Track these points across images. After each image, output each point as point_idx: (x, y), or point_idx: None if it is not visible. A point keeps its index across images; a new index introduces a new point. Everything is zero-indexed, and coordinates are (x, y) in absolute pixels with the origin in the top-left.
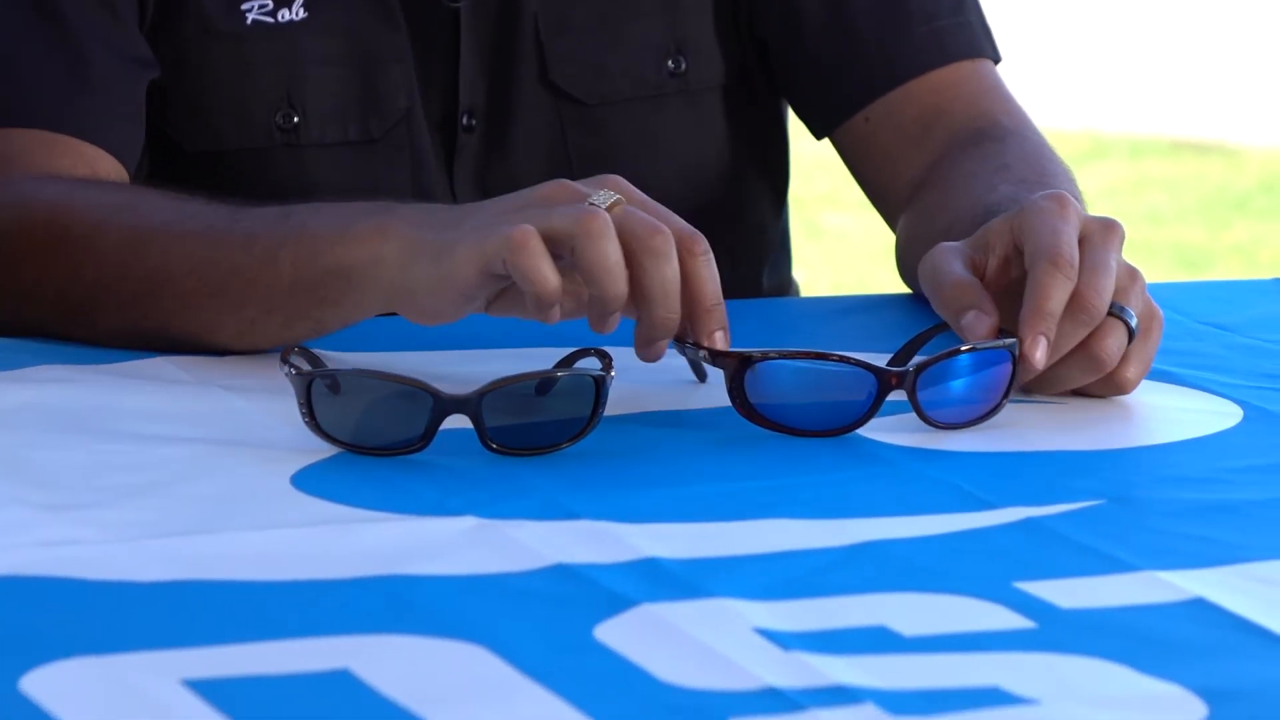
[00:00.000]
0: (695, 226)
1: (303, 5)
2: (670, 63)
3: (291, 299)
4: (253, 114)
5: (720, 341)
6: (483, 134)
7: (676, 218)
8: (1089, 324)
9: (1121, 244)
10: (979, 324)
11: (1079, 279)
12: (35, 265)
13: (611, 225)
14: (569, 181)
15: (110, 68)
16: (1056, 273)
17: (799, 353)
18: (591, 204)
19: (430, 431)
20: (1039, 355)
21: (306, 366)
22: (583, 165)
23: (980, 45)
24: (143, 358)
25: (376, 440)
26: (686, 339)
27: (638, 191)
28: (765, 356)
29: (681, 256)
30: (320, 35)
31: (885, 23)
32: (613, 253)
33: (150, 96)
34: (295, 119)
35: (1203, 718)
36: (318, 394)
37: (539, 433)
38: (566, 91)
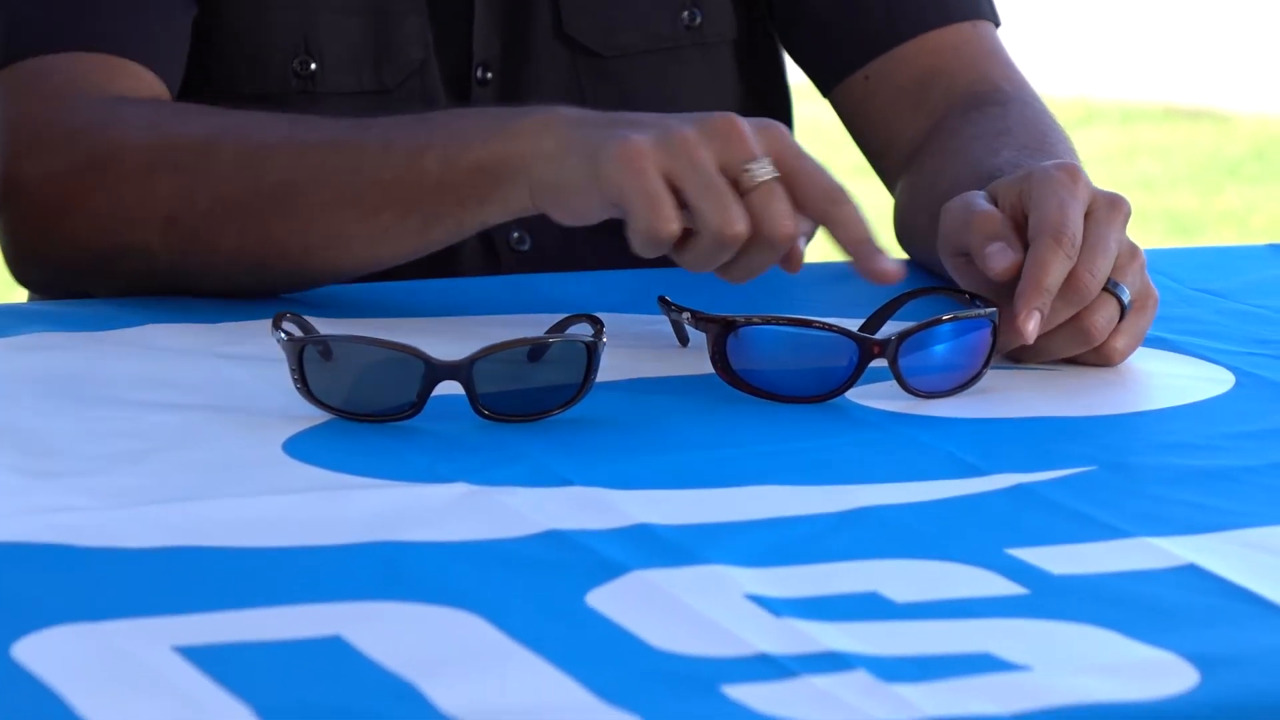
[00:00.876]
0: None
1: None
2: (685, 14)
3: (434, 198)
4: (270, 60)
5: (882, 263)
6: (497, 87)
7: (825, 181)
8: (1079, 303)
9: (1126, 222)
10: (1003, 257)
11: (1078, 257)
12: (140, 188)
13: (744, 231)
14: (740, 126)
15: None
16: (1059, 250)
17: (782, 318)
18: (747, 170)
19: (422, 398)
20: (1031, 328)
21: (299, 333)
22: None
23: (981, 7)
24: (135, 325)
25: (368, 406)
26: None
27: (801, 159)
28: (749, 321)
29: (823, 210)
30: None
31: None
32: (726, 257)
33: None
34: (312, 66)
35: (1195, 684)
36: (310, 360)
37: (531, 399)
38: (581, 44)
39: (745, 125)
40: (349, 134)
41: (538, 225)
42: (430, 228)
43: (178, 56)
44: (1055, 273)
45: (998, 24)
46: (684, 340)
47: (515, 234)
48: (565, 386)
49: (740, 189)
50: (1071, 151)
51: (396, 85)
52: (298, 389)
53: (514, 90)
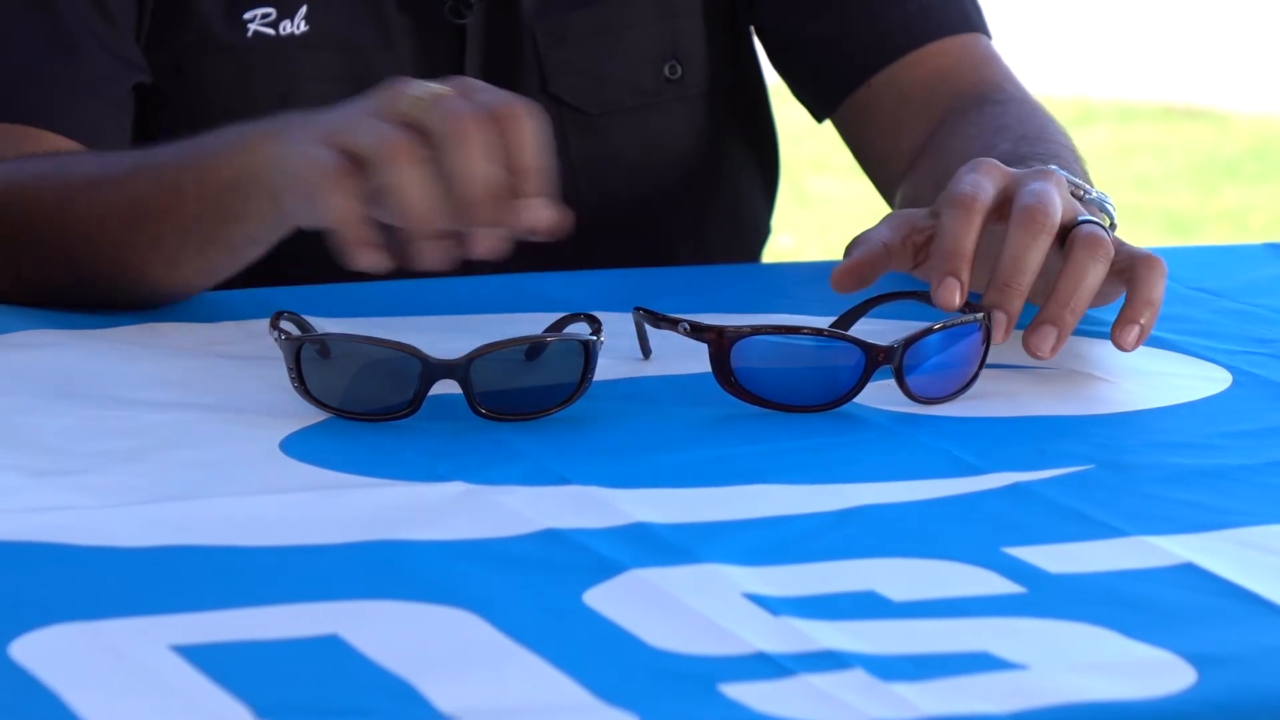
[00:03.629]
0: (698, 226)
1: (304, 18)
2: (667, 70)
3: (197, 221)
4: None
5: (536, 208)
6: None
7: (503, 96)
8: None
9: (1058, 186)
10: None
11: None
12: None
13: (412, 151)
14: (411, 84)
15: (100, 64)
16: (956, 211)
17: (781, 327)
18: (413, 98)
19: (419, 397)
20: (948, 296)
21: (296, 332)
22: (585, 172)
23: (973, 20)
24: (132, 323)
25: (366, 405)
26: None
27: (477, 83)
28: (750, 332)
29: (504, 131)
30: (319, 50)
31: (874, 1)
32: (411, 178)
33: (147, 102)
34: None
35: (1192, 683)
36: (307, 359)
37: (528, 398)
38: (568, 102)
39: (408, 86)
40: (133, 164)
41: None
42: (206, 251)
43: (109, 122)
44: (958, 234)
45: (989, 36)
46: (647, 353)
47: None
48: (563, 385)
49: (412, 121)
50: (1071, 147)
51: None
52: (295, 388)
53: None
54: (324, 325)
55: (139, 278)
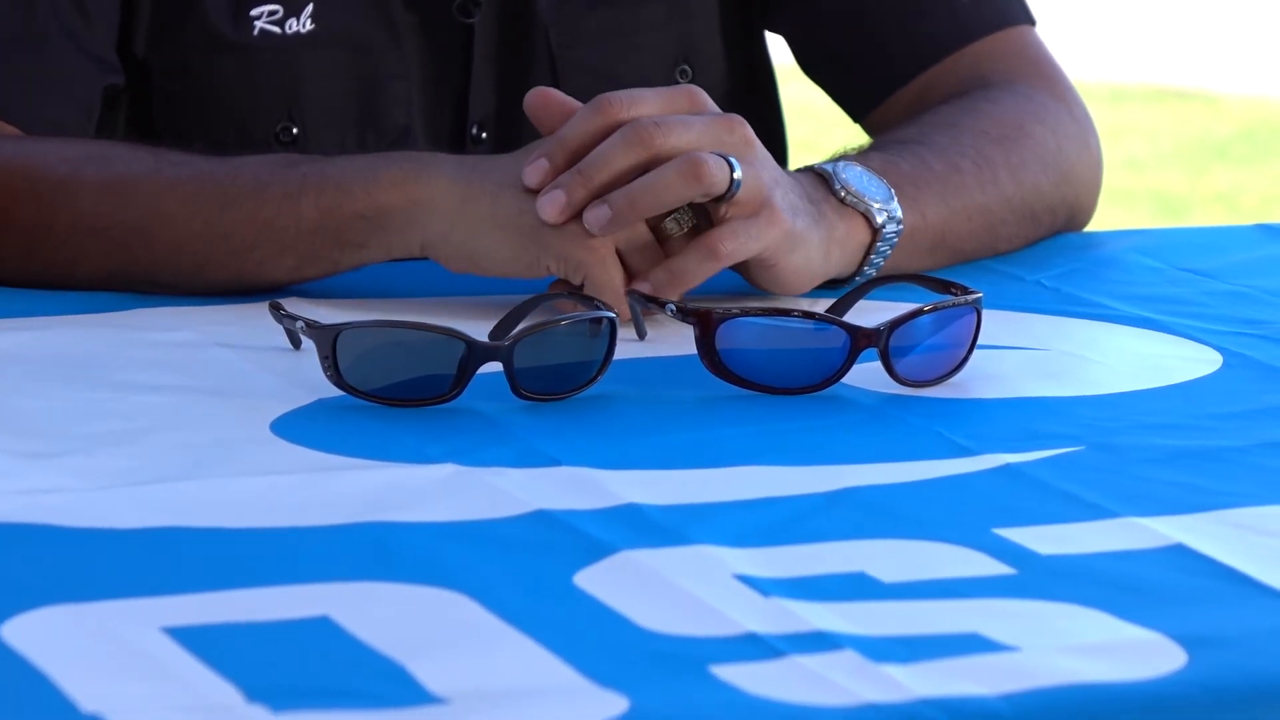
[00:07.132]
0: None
1: (309, 17)
2: (678, 73)
3: (310, 242)
4: (254, 125)
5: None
6: (493, 146)
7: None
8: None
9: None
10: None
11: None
12: (1, 219)
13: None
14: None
15: (68, 61)
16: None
17: (769, 309)
18: (672, 219)
19: (463, 380)
20: (530, 174)
21: (299, 315)
22: None
23: (1008, 14)
24: (124, 309)
25: (405, 392)
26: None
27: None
28: (738, 313)
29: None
30: (325, 49)
31: (905, 12)
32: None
33: (152, 102)
34: (295, 131)
35: (1182, 664)
36: (344, 347)
37: (558, 378)
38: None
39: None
40: (217, 170)
41: None
42: (304, 268)
43: (67, 121)
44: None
45: (1031, 23)
46: (642, 334)
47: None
48: (587, 363)
49: (661, 237)
50: (1034, 153)
51: (380, 150)
52: (329, 377)
53: (510, 148)
54: (301, 309)
55: (196, 279)
